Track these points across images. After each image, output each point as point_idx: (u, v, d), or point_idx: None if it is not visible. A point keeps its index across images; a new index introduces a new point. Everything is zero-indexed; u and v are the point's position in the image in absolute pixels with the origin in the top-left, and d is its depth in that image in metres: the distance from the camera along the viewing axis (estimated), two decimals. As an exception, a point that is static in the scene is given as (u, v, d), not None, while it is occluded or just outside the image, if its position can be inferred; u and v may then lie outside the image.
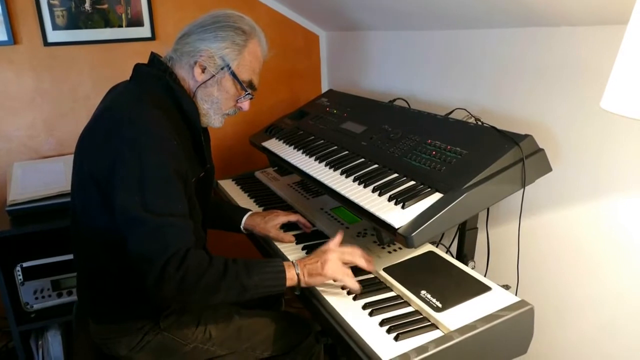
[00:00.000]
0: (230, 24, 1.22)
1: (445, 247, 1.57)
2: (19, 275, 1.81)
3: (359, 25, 2.14)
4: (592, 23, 1.18)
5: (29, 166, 2.00)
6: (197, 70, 1.23)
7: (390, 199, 1.18)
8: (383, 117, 1.59)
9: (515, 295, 1.10)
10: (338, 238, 1.22)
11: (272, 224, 1.48)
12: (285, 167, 1.68)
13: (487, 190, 1.12)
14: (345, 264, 1.17)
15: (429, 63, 1.79)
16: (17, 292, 1.83)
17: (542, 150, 1.19)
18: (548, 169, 1.21)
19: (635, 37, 0.72)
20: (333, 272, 1.15)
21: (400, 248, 1.34)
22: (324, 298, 1.17)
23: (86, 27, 2.06)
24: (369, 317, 1.09)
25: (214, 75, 1.23)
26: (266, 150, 1.79)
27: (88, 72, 2.13)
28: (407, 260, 1.28)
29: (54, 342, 1.93)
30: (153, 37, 2.18)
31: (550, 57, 1.31)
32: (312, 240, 1.45)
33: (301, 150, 1.62)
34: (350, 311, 1.11)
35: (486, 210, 1.42)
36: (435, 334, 1.01)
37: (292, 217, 1.52)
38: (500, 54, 1.47)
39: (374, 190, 1.24)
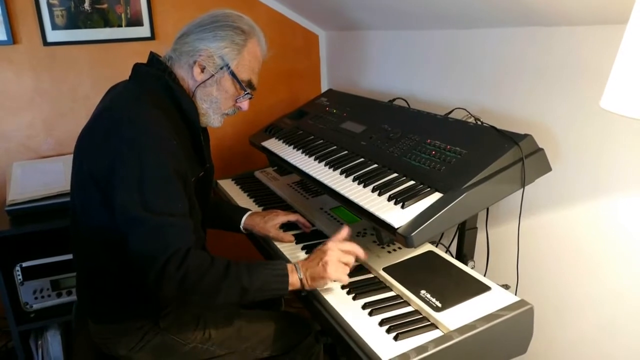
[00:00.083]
0: (230, 24, 1.22)
1: (445, 246, 1.57)
2: (19, 275, 1.81)
3: (358, 25, 2.14)
4: (592, 23, 1.18)
5: (29, 166, 2.00)
6: (196, 69, 1.23)
7: (389, 199, 1.18)
8: (383, 116, 1.58)
9: (515, 295, 1.10)
10: (344, 232, 1.22)
11: (271, 223, 1.48)
12: (284, 167, 1.68)
13: (487, 190, 1.12)
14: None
15: (428, 63, 1.78)
16: (16, 292, 1.83)
17: (542, 150, 1.19)
18: (548, 168, 1.21)
19: (635, 37, 0.72)
20: (336, 274, 1.14)
21: (399, 248, 1.34)
22: (324, 298, 1.16)
23: (85, 27, 2.06)
24: (368, 316, 1.09)
25: (213, 75, 1.23)
26: (266, 150, 1.79)
27: (87, 71, 2.13)
28: (406, 260, 1.28)
29: (53, 342, 1.93)
30: (152, 37, 2.18)
31: (550, 57, 1.31)
32: (311, 240, 1.45)
33: (301, 150, 1.62)
34: (350, 311, 1.11)
35: (486, 210, 1.42)
36: (434, 334, 1.01)
37: (292, 217, 1.52)
38: (500, 54, 1.47)
39: (373, 190, 1.24)
